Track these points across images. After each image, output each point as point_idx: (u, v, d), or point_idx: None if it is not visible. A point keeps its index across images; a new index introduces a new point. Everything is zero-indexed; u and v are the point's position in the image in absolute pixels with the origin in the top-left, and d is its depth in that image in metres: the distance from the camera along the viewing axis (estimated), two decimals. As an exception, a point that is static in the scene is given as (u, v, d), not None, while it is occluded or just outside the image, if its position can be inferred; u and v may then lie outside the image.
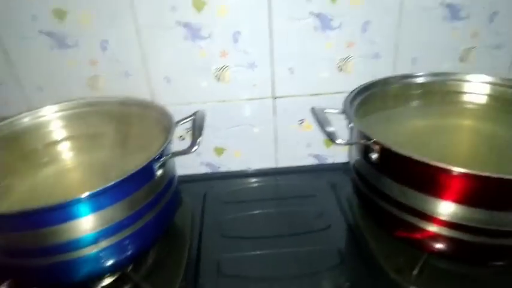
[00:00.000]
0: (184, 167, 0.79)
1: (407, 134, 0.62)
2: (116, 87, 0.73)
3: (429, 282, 0.51)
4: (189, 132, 0.79)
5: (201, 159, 0.83)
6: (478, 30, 0.73)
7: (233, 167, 0.83)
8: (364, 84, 0.66)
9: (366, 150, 0.51)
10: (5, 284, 0.47)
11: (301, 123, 0.80)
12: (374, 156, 0.48)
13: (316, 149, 0.83)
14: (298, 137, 0.81)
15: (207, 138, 0.79)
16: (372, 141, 0.48)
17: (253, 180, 0.79)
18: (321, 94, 0.76)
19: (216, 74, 0.73)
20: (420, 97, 0.69)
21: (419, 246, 0.51)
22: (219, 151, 0.82)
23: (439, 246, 0.48)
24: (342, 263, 0.56)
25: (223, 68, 0.73)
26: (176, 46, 0.70)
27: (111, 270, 0.51)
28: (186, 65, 0.72)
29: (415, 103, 0.69)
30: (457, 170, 0.41)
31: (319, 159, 0.84)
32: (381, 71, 0.73)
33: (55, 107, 0.67)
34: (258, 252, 0.59)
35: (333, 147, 0.83)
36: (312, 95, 0.76)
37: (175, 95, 0.74)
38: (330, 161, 0.84)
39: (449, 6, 0.70)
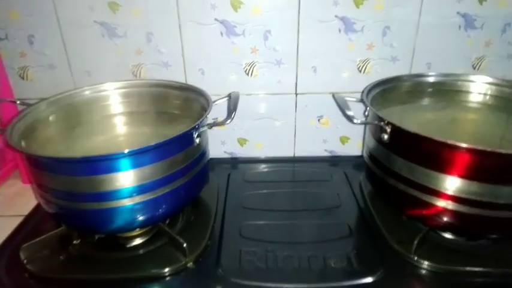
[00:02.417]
0: (210, 154, 0.85)
1: (417, 123, 0.68)
2: (155, 75, 0.81)
3: (427, 253, 0.56)
4: (217, 120, 0.86)
5: (225, 148, 0.89)
6: (491, 40, 0.78)
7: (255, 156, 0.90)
8: (380, 79, 0.72)
9: (378, 133, 0.57)
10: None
11: (319, 119, 0.86)
12: (385, 136, 0.55)
13: (332, 145, 0.89)
14: (316, 132, 0.87)
15: (232, 129, 0.86)
16: (385, 121, 0.54)
17: (273, 165, 0.86)
18: (340, 93, 0.82)
19: (245, 69, 0.81)
20: (430, 94, 0.75)
21: (424, 220, 0.57)
22: (242, 142, 0.89)
23: (441, 219, 0.53)
24: (351, 235, 0.62)
25: (252, 63, 0.80)
26: (212, 41, 0.77)
27: (147, 222, 0.57)
28: (219, 59, 0.79)
29: (425, 99, 0.75)
30: (458, 144, 0.47)
31: (334, 155, 0.90)
32: (397, 73, 0.78)
33: (114, 84, 0.75)
34: (275, 222, 0.65)
35: (347, 144, 0.88)
36: (332, 93, 0.82)
37: (207, 85, 0.79)
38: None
39: (465, 15, 0.76)
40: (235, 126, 0.86)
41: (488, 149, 0.45)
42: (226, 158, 0.89)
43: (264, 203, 0.71)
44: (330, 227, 0.63)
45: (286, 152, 0.90)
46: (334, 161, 0.87)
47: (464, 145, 0.46)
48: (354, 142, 0.88)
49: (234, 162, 0.88)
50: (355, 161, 0.85)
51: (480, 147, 0.45)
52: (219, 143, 0.89)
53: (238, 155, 0.90)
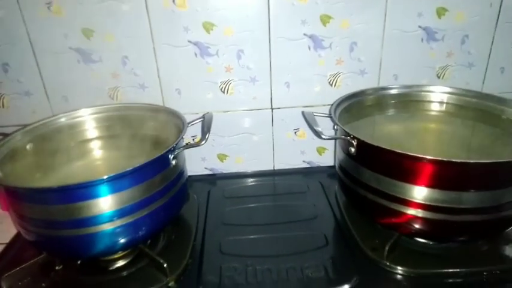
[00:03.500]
0: (190, 171, 0.87)
1: (383, 134, 0.72)
2: (133, 97, 0.82)
3: (399, 258, 0.59)
4: (195, 139, 0.88)
5: (206, 164, 0.91)
6: (452, 50, 0.83)
7: (235, 171, 0.92)
8: (346, 94, 0.76)
9: (346, 146, 0.60)
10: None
11: (296, 132, 0.89)
12: (353, 150, 0.58)
13: (309, 156, 0.92)
14: (293, 144, 0.90)
15: (211, 145, 0.88)
16: (351, 136, 0.57)
17: (252, 179, 0.88)
18: (314, 106, 0.86)
19: (221, 87, 0.83)
20: (395, 106, 0.80)
21: (394, 227, 0.60)
22: (222, 157, 0.91)
23: (409, 226, 0.57)
24: (327, 245, 0.64)
25: (227, 81, 0.83)
26: (187, 62, 0.80)
27: (128, 245, 0.58)
28: (195, 78, 0.81)
29: (391, 111, 0.80)
30: (418, 155, 0.50)
31: (312, 165, 0.92)
32: (366, 85, 0.83)
33: (89, 110, 0.77)
34: (255, 236, 0.67)
35: (324, 154, 0.92)
36: (305, 106, 0.85)
37: (185, 105, 0.83)
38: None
39: (426, 29, 0.81)
40: (214, 142, 0.88)
41: (445, 159, 0.48)
42: (205, 175, 0.91)
43: (244, 218, 0.73)
44: (307, 238, 0.66)
45: (266, 165, 0.92)
46: (312, 172, 0.90)
47: (423, 156, 0.50)
48: (330, 152, 0.92)
49: (214, 178, 0.89)
50: (331, 171, 0.88)
51: (437, 158, 0.49)
52: (199, 160, 0.91)
53: (219, 171, 0.92)
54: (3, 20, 0.74)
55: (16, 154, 0.63)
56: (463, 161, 0.49)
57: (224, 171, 0.92)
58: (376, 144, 0.53)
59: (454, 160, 0.48)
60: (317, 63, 0.82)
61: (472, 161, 0.50)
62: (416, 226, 0.56)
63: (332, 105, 0.71)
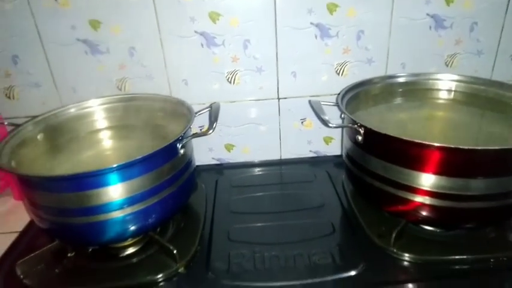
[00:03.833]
0: (198, 161, 0.88)
1: (390, 122, 0.72)
2: (140, 88, 0.83)
3: (406, 244, 0.59)
4: (203, 129, 0.89)
5: (213, 154, 0.92)
6: (461, 38, 0.82)
7: (242, 161, 0.92)
8: (353, 83, 0.76)
9: (353, 134, 0.60)
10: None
11: (302, 122, 0.89)
12: (360, 138, 0.58)
13: (316, 145, 0.92)
14: (300, 134, 0.90)
15: (218, 135, 0.89)
16: (358, 124, 0.57)
17: (259, 169, 0.89)
18: (320, 95, 0.86)
19: (227, 77, 0.83)
20: (403, 94, 0.79)
21: (401, 214, 0.60)
22: (229, 147, 0.91)
23: (416, 213, 0.57)
24: (334, 232, 0.65)
25: (234, 72, 0.83)
26: (194, 52, 0.80)
27: (138, 232, 0.59)
28: (201, 69, 0.82)
29: (398, 99, 0.79)
30: (425, 143, 0.50)
31: (319, 155, 0.93)
32: (374, 74, 0.82)
33: (98, 100, 0.78)
34: (262, 224, 0.68)
35: (331, 144, 0.92)
36: (312, 96, 0.85)
37: (192, 95, 0.83)
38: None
39: (434, 16, 0.80)
40: (221, 132, 0.89)
41: (452, 146, 0.48)
42: (213, 165, 0.92)
43: (251, 207, 0.74)
44: (314, 226, 0.66)
45: (273, 155, 0.92)
46: (319, 161, 0.90)
47: (429, 143, 0.50)
48: (337, 142, 0.92)
49: (221, 168, 0.90)
50: (338, 160, 0.89)
51: (444, 145, 0.49)
52: (206, 150, 0.92)
53: (226, 161, 0.92)
54: (11, 12, 0.75)
55: (27, 144, 0.65)
56: (470, 147, 0.48)
57: (231, 161, 0.92)
58: (383, 132, 0.53)
59: (461, 147, 0.48)
60: (324, 52, 0.81)
61: (479, 148, 0.50)
62: (423, 213, 0.56)
63: (339, 94, 0.70)
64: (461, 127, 0.71)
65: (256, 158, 0.92)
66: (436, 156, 0.52)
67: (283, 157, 0.93)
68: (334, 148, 0.92)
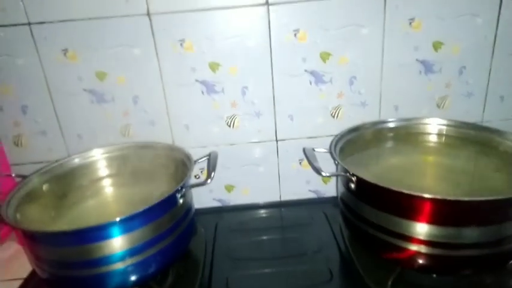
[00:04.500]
0: (198, 202, 0.89)
1: (383, 168, 0.74)
2: (143, 134, 0.86)
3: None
4: (203, 172, 0.91)
5: (213, 195, 0.94)
6: (451, 81, 0.85)
7: (242, 202, 0.94)
8: (345, 129, 0.79)
9: (346, 182, 0.62)
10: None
11: (301, 162, 0.91)
12: (352, 185, 0.60)
13: (315, 185, 0.93)
14: (299, 175, 0.92)
15: (219, 177, 0.91)
16: (350, 173, 0.59)
17: (259, 211, 0.90)
18: (317, 137, 0.88)
19: (227, 122, 0.87)
20: (394, 138, 0.82)
21: (396, 261, 0.61)
22: (229, 188, 0.93)
23: (411, 260, 0.58)
24: (332, 279, 0.65)
25: (233, 116, 0.86)
26: (194, 99, 0.84)
27: (138, 283, 0.60)
28: (202, 114, 0.85)
29: (390, 143, 0.82)
30: (415, 194, 0.52)
31: (318, 194, 0.94)
32: (368, 117, 0.85)
33: (101, 150, 0.81)
34: (260, 271, 0.68)
35: (329, 183, 0.93)
36: (309, 137, 0.88)
37: (193, 139, 0.87)
38: (327, 195, 0.94)
39: (423, 62, 0.83)
40: (221, 174, 0.91)
41: (439, 197, 0.50)
42: (212, 208, 0.93)
43: (250, 252, 0.74)
44: (312, 272, 0.67)
45: (273, 196, 0.94)
46: (318, 202, 0.92)
47: (419, 194, 0.51)
48: (335, 181, 0.93)
49: (221, 211, 0.92)
50: (335, 201, 0.89)
51: (433, 196, 0.50)
52: (207, 191, 0.93)
53: (227, 201, 0.94)
54: (23, 67, 0.80)
55: (33, 195, 0.67)
56: (457, 199, 0.50)
57: (231, 202, 0.94)
58: (374, 182, 0.54)
59: (448, 198, 0.50)
60: (318, 97, 0.85)
61: (466, 199, 0.51)
62: (418, 261, 0.57)
63: (332, 141, 0.73)
64: (453, 172, 0.73)
65: (256, 199, 0.93)
66: (426, 207, 0.53)
67: (282, 198, 0.94)
68: (333, 187, 0.94)
